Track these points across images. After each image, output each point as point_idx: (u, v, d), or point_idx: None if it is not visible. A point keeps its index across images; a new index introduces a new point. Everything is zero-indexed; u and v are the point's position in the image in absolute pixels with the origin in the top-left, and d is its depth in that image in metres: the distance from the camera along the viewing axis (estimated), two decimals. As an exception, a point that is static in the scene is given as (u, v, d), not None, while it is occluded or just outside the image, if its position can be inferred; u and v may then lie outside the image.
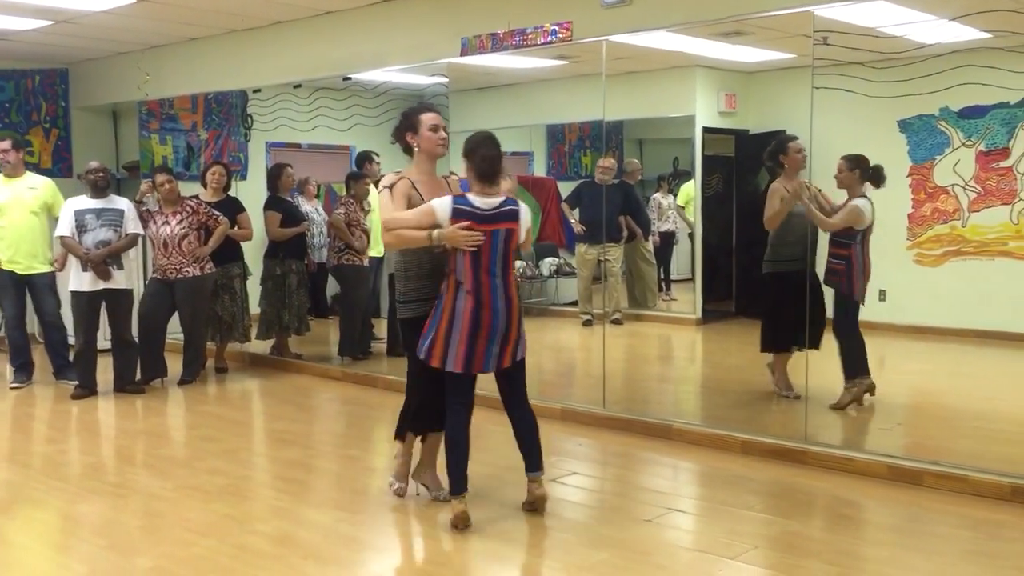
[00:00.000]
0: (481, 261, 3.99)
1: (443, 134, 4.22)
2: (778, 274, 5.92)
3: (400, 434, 4.49)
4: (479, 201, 4.00)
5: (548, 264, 9.53)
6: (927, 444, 5.31)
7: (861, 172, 5.56)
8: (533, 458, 4.22)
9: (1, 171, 7.10)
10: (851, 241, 5.57)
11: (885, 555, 3.79)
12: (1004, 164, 6.95)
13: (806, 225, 5.66)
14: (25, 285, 7.12)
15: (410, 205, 4.08)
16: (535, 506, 4.25)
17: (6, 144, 7.09)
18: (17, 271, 7.03)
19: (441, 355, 4.03)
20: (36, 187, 7.16)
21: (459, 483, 4.07)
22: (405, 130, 4.22)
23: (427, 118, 4.19)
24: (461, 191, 4.22)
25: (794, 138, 5.82)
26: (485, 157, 4.02)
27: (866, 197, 5.54)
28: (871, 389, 5.66)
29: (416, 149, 4.22)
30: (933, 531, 4.12)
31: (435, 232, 3.95)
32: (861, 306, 5.65)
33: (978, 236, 7.06)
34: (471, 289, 3.99)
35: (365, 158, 8.15)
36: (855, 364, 5.62)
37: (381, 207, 4.14)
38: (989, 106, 6.92)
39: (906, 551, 3.86)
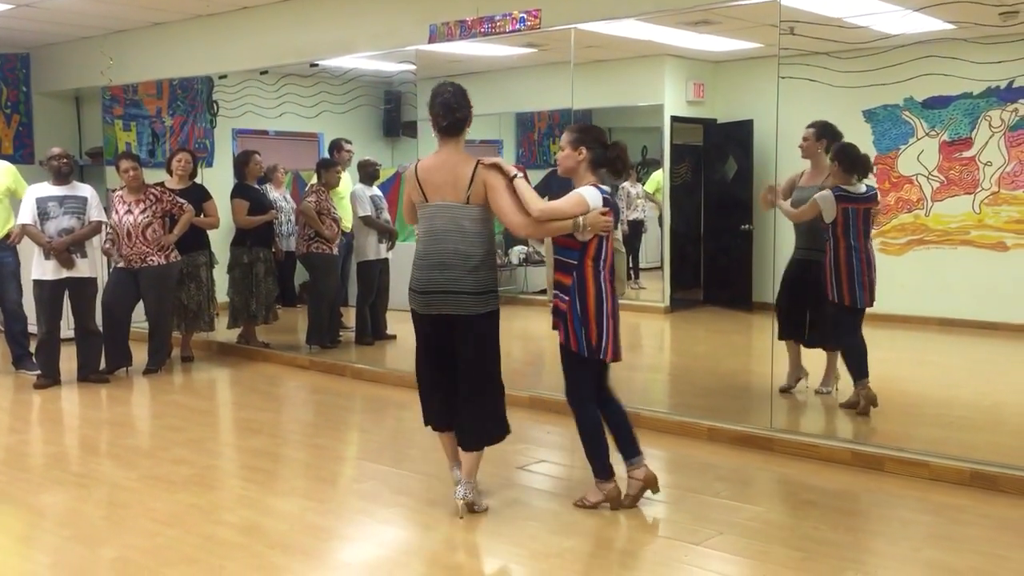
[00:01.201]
0: (608, 249, 4.08)
1: None
2: (798, 261, 5.70)
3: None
4: (607, 189, 4.11)
5: (517, 252, 9.54)
6: (890, 431, 5.38)
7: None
8: (636, 442, 4.23)
9: None
10: (826, 236, 5.37)
11: (849, 540, 3.84)
12: (967, 154, 7.05)
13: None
14: None
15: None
16: (649, 486, 4.20)
17: None
18: None
19: (613, 347, 4.11)
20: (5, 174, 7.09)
21: (607, 468, 4.15)
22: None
23: None
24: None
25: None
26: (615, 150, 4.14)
27: (842, 189, 5.29)
28: (871, 400, 5.40)
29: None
30: (896, 516, 4.18)
31: (582, 219, 3.95)
32: (847, 306, 5.38)
33: (941, 225, 7.16)
34: (611, 277, 4.08)
35: (335, 146, 8.10)
36: (858, 366, 5.42)
37: (530, 199, 3.95)
38: (952, 96, 7.01)
39: (869, 536, 3.92)
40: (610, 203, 4.07)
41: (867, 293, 5.38)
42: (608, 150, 4.11)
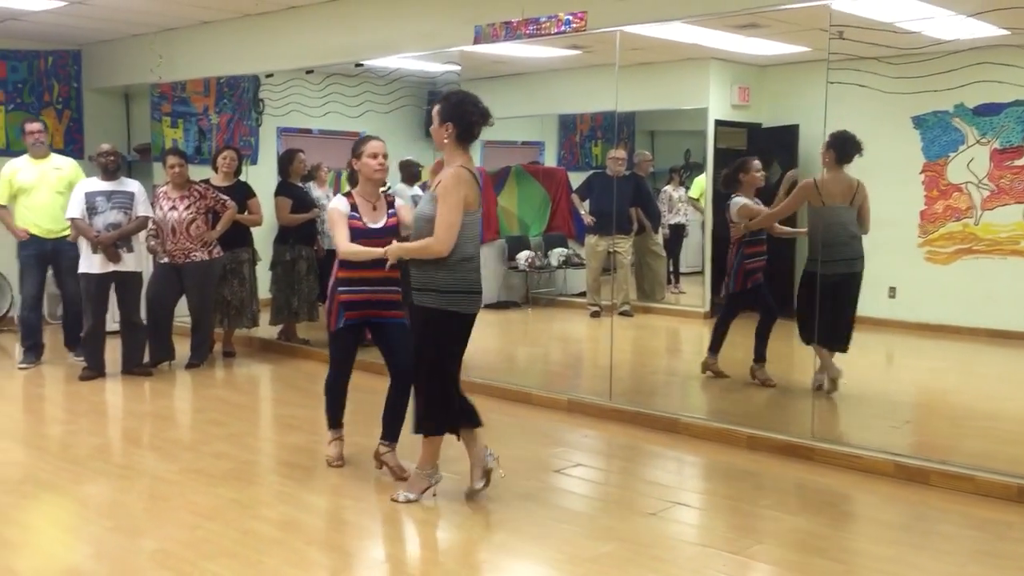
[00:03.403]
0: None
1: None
2: (832, 274, 5.71)
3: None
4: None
5: (557, 254, 9.51)
6: (935, 443, 5.28)
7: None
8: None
9: (30, 152, 7.29)
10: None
11: (891, 553, 3.78)
12: (1019, 162, 6.90)
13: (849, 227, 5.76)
14: (49, 264, 7.20)
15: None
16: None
17: (39, 126, 7.40)
18: (42, 235, 7.12)
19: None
20: (62, 167, 7.32)
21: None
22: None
23: None
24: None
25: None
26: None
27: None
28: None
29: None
30: (940, 530, 4.10)
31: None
32: None
33: (990, 234, 7.02)
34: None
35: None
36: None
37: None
38: (1005, 104, 6.86)
39: (912, 550, 3.84)
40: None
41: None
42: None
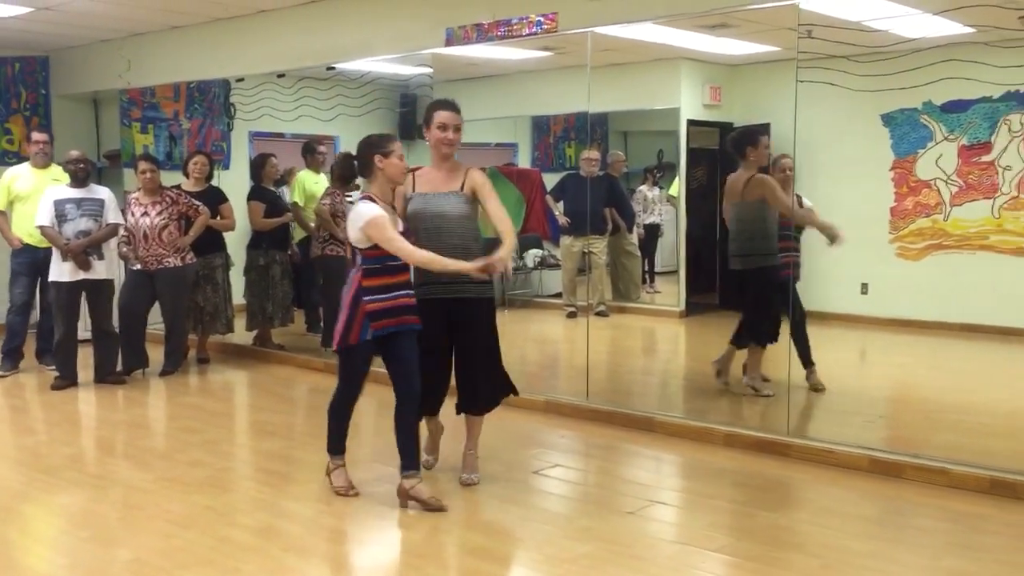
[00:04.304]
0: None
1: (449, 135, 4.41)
2: (760, 268, 5.90)
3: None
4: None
5: (532, 256, 9.51)
6: (908, 437, 5.34)
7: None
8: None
9: (32, 161, 7.33)
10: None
11: (867, 548, 3.81)
12: (986, 158, 6.99)
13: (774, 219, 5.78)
14: (40, 273, 7.11)
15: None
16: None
17: (45, 136, 7.46)
18: (36, 244, 7.06)
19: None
20: (60, 179, 7.20)
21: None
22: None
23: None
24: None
25: (765, 134, 5.94)
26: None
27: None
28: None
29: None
30: (915, 524, 4.14)
31: None
32: None
33: (959, 230, 7.10)
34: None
35: (309, 148, 8.15)
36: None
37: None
38: (971, 100, 6.94)
39: (888, 543, 3.88)
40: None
41: None
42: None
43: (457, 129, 4.36)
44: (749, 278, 5.90)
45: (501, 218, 4.37)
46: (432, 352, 4.38)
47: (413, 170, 4.47)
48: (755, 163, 5.80)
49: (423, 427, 4.57)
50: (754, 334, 5.95)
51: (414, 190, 4.43)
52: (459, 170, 4.44)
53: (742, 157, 5.85)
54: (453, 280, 4.32)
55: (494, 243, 4.27)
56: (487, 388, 4.53)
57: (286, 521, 4.15)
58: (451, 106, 4.39)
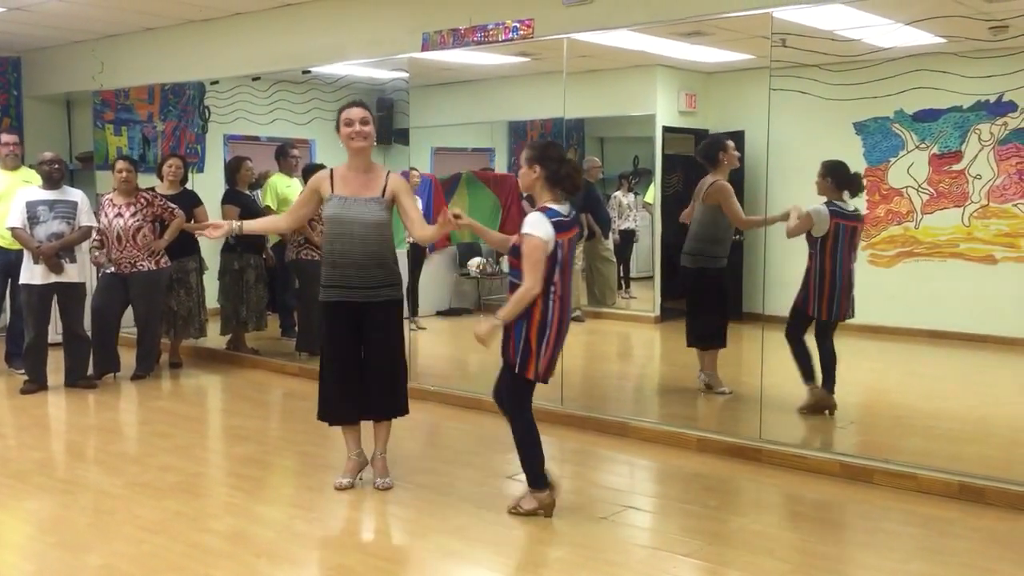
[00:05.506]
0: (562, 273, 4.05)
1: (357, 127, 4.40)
2: (709, 269, 6.12)
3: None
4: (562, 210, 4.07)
5: (475, 264, 9.52)
6: (879, 442, 5.38)
7: (833, 180, 5.56)
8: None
9: (1, 163, 7.27)
10: (811, 249, 5.58)
11: (837, 552, 3.84)
12: (956, 167, 7.07)
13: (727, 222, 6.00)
14: (10, 276, 7.03)
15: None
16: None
17: (15, 138, 7.43)
18: (6, 247, 6.98)
19: (545, 369, 4.12)
20: (31, 180, 7.16)
21: (541, 478, 4.17)
22: None
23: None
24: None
25: (729, 140, 6.16)
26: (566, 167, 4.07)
27: (836, 205, 5.51)
28: (829, 406, 5.65)
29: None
30: (884, 528, 4.18)
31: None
32: (815, 319, 5.63)
33: (930, 238, 7.17)
34: (562, 302, 4.08)
35: (282, 151, 8.13)
36: (802, 370, 5.69)
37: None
38: (942, 110, 7.03)
39: (858, 548, 3.92)
40: (566, 223, 4.04)
41: (842, 307, 5.62)
42: (561, 167, 4.06)
43: (365, 122, 4.39)
44: (691, 276, 6.16)
45: (422, 225, 4.44)
46: (345, 359, 4.41)
47: (332, 169, 4.49)
48: (727, 168, 6.04)
49: (343, 435, 4.63)
50: (695, 335, 6.21)
51: (332, 191, 4.42)
52: (379, 174, 4.46)
53: (712, 164, 6.05)
54: (366, 284, 4.35)
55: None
56: (393, 392, 4.52)
57: (258, 526, 4.12)
58: (356, 103, 4.47)
